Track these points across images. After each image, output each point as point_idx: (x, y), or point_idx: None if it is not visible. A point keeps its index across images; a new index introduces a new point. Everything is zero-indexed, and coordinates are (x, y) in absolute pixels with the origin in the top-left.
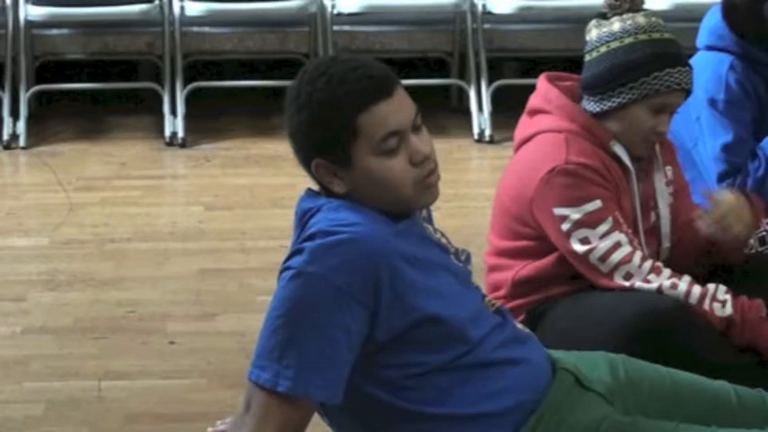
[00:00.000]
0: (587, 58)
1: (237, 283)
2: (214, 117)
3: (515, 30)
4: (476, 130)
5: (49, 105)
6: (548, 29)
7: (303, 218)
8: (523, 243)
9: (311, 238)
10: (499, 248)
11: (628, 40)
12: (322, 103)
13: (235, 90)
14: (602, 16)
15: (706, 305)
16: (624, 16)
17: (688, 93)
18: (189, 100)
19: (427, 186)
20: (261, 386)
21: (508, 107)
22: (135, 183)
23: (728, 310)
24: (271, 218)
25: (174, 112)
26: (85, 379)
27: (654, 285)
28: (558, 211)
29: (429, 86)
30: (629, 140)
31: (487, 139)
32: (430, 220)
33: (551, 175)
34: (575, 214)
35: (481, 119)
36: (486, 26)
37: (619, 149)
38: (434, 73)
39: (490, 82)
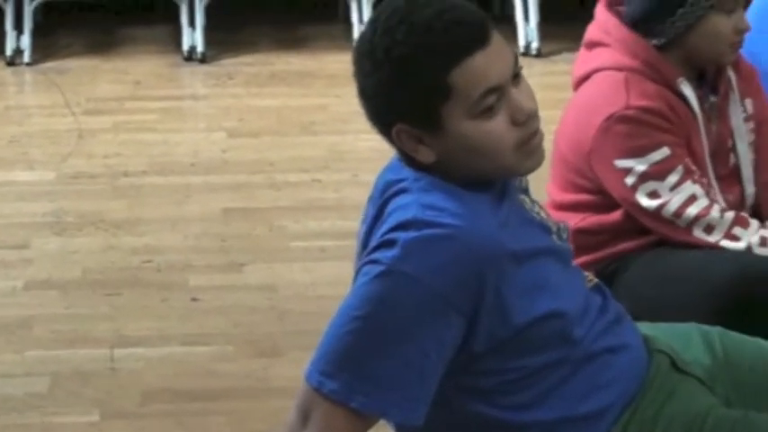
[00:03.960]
0: None
1: (267, 226)
2: (235, 29)
3: None
4: (521, 42)
5: (55, 17)
6: None
7: (385, 192)
8: (584, 197)
9: (403, 227)
10: (558, 202)
11: None
12: (404, 59)
13: None
14: None
15: None
16: None
17: None
18: (208, 10)
19: (532, 150)
20: (326, 396)
21: (558, 16)
22: (150, 105)
23: None
24: (301, 146)
25: (192, 23)
26: (96, 347)
27: (742, 244)
28: (621, 163)
29: None
30: (717, 53)
31: (534, 52)
32: (527, 190)
33: (610, 123)
34: (640, 166)
35: (527, 29)
36: None
37: (686, 89)
38: None
39: None
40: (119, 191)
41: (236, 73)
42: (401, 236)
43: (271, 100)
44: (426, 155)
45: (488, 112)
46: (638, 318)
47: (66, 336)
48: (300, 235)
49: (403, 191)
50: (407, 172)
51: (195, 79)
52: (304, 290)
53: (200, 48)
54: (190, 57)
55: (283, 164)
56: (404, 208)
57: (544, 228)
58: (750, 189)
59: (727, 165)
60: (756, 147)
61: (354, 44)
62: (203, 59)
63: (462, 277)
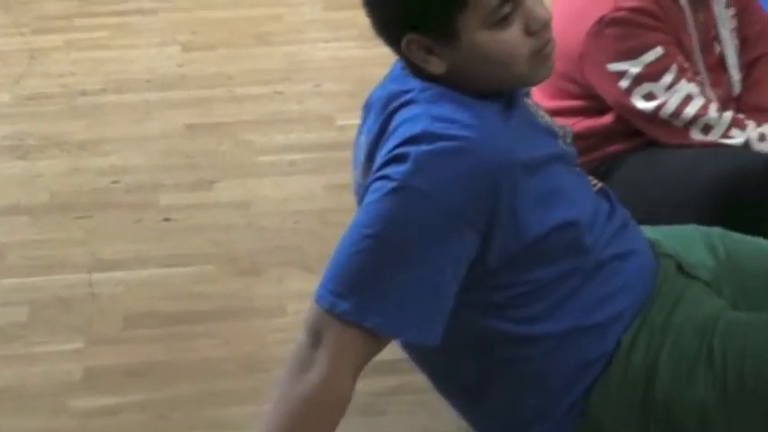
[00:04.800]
0: None
1: (233, 141)
2: None
3: None
4: None
5: None
6: None
7: (389, 104)
8: (574, 102)
9: (414, 141)
10: (547, 108)
11: None
12: None
13: None
14: None
15: None
16: None
17: None
18: None
19: (543, 59)
20: (338, 317)
21: None
22: (100, 21)
23: None
24: (258, 58)
25: None
26: (73, 272)
27: (739, 140)
28: (614, 66)
29: None
30: None
31: None
32: (528, 93)
33: (600, 27)
34: (634, 68)
35: None
36: None
37: None
38: None
39: None
40: (78, 111)
41: None
42: (412, 150)
43: (222, 11)
44: (437, 65)
45: (504, 21)
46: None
47: (41, 262)
48: (267, 149)
49: (410, 102)
50: (414, 82)
51: None
52: (277, 205)
53: None
54: None
55: (242, 76)
56: (413, 120)
57: (551, 132)
58: (736, 76)
59: (713, 54)
60: (739, 32)
61: None
62: None
63: (476, 191)
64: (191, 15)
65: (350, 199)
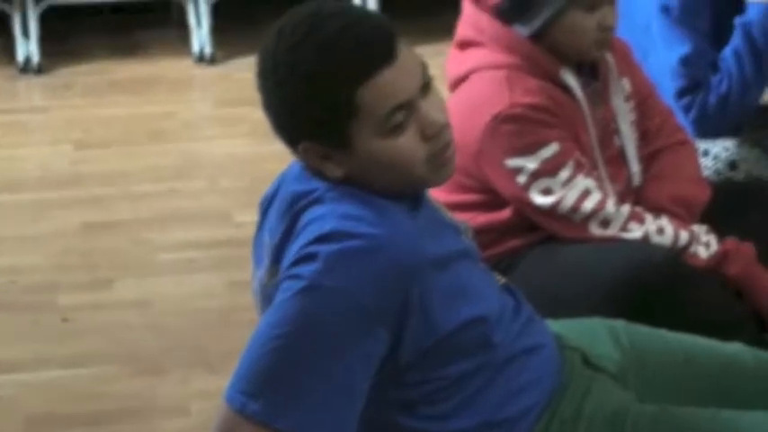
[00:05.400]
0: None
1: (131, 239)
2: (68, 37)
3: None
4: (195, 48)
5: None
6: None
7: (294, 205)
8: (473, 197)
9: (323, 240)
10: (444, 203)
11: None
12: (310, 76)
13: (89, 6)
14: None
15: (693, 249)
16: None
17: None
18: (41, 18)
19: (443, 163)
20: (249, 417)
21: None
22: None
23: (714, 247)
24: (153, 155)
25: (26, 33)
26: None
27: (638, 234)
28: (511, 162)
29: None
30: (579, 50)
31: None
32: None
33: (496, 123)
34: (530, 164)
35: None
36: None
37: (570, 79)
38: None
39: None
40: None
41: (73, 83)
42: (322, 249)
43: (114, 109)
44: (334, 171)
45: (397, 128)
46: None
47: None
48: (166, 247)
49: (316, 201)
50: (317, 182)
51: (33, 91)
52: (179, 303)
53: (35, 58)
54: (25, 68)
55: (137, 174)
56: (321, 219)
57: (455, 229)
58: (635, 168)
59: (613, 147)
60: (639, 124)
61: (257, 57)
62: (40, 70)
63: (386, 289)
64: (82, 113)
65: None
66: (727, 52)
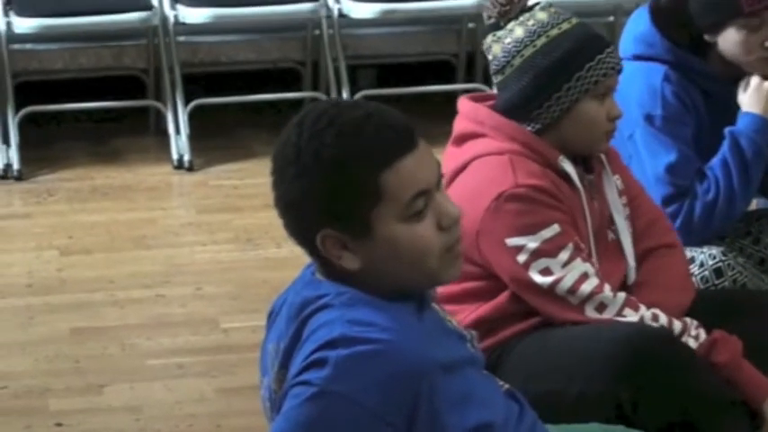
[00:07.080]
0: (499, 77)
1: (119, 345)
2: (47, 144)
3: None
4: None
5: None
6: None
7: (303, 310)
8: (470, 284)
9: (332, 345)
10: (442, 295)
11: (541, 42)
12: (335, 162)
13: (68, 112)
14: (495, 27)
15: (684, 339)
16: (521, 18)
17: (619, 72)
18: (20, 126)
19: (455, 256)
20: None
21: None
22: None
23: (703, 339)
24: (138, 261)
25: (6, 140)
26: None
27: (633, 319)
28: (512, 241)
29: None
30: (591, 140)
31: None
32: (434, 298)
33: (500, 202)
34: (531, 243)
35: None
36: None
37: (568, 167)
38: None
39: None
40: None
41: (55, 189)
42: (331, 354)
43: (98, 215)
44: (351, 261)
45: (418, 215)
46: (533, 401)
47: None
48: (155, 353)
49: (326, 306)
50: (327, 287)
51: (14, 198)
52: (169, 409)
53: (16, 165)
54: (5, 175)
55: (123, 280)
56: (330, 324)
57: (460, 336)
58: (631, 263)
59: (607, 240)
60: (632, 222)
61: (275, 150)
62: (20, 177)
63: (396, 394)
64: (65, 219)
65: (243, 402)
66: (716, 161)
